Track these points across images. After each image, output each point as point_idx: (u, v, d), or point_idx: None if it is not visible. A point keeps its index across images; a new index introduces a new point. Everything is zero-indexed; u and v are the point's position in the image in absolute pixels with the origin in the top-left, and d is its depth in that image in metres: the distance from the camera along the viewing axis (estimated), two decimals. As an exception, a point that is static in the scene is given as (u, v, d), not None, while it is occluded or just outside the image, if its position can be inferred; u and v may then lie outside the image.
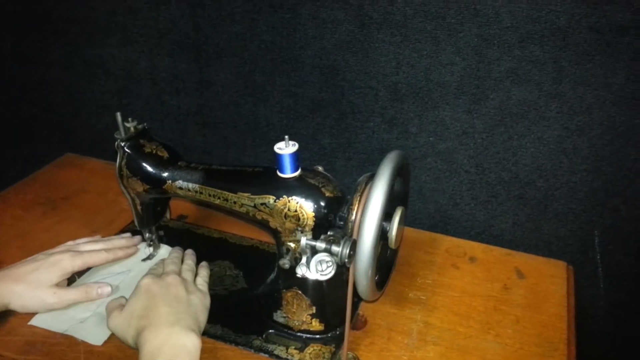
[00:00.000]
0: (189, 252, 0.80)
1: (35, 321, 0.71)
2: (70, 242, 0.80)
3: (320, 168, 0.68)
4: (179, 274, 0.71)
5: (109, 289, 0.75)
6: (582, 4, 0.69)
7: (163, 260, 0.76)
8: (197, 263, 0.78)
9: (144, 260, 0.82)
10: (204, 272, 0.76)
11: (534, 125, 0.80)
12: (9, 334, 0.70)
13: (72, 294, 0.72)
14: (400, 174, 0.64)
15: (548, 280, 0.78)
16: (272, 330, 0.70)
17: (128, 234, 0.84)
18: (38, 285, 0.70)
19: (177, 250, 0.79)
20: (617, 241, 0.83)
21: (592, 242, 0.85)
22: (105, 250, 0.77)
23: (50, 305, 0.71)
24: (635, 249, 0.83)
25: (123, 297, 0.71)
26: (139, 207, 0.77)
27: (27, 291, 0.69)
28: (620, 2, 0.68)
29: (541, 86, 0.76)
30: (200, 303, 0.67)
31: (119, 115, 0.71)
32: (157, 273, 0.71)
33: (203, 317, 0.67)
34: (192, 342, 0.60)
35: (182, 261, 0.77)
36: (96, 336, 0.69)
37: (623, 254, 0.84)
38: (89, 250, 0.77)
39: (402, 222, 0.65)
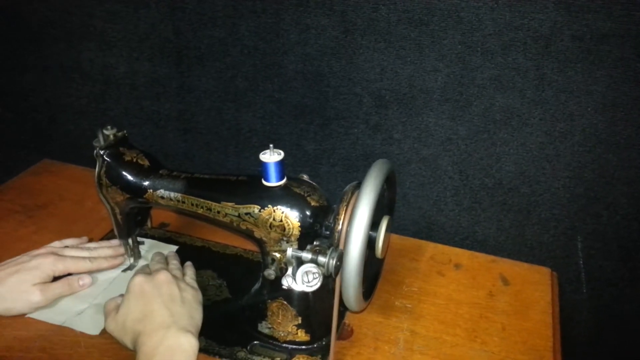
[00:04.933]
0: (171, 254, 0.80)
1: (33, 314, 0.71)
2: (56, 243, 0.79)
3: (305, 176, 0.67)
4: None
5: (89, 279, 0.75)
6: (564, 12, 0.70)
7: (147, 264, 0.75)
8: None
9: (124, 271, 0.80)
10: (190, 270, 0.76)
11: (517, 132, 0.80)
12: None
13: (56, 288, 0.72)
14: (386, 183, 0.64)
15: (532, 287, 0.78)
16: (257, 342, 0.69)
17: (116, 241, 0.82)
18: (20, 286, 0.70)
19: (159, 254, 0.78)
20: (600, 246, 0.84)
21: (574, 248, 0.86)
22: (90, 259, 0.77)
23: (37, 304, 0.71)
24: (617, 254, 0.84)
25: (122, 295, 0.69)
26: (118, 217, 0.75)
27: (9, 293, 0.69)
28: (601, 10, 0.68)
29: (524, 93, 0.77)
30: (193, 300, 0.67)
31: (100, 135, 0.70)
32: (146, 272, 0.70)
33: (198, 314, 0.66)
34: (189, 343, 0.60)
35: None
36: (93, 327, 0.69)
37: (605, 259, 0.85)
38: (73, 256, 0.76)
39: (388, 231, 0.64)
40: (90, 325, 0.70)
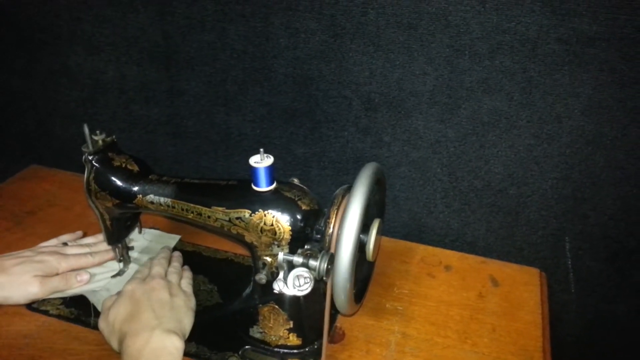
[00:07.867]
0: (177, 254, 0.81)
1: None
2: (53, 240, 0.81)
3: (296, 180, 0.67)
4: (165, 276, 0.72)
5: (87, 276, 0.77)
6: (550, 15, 0.71)
7: (150, 261, 0.77)
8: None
9: (113, 276, 0.79)
10: (187, 274, 0.76)
11: (505, 134, 0.81)
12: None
13: (54, 281, 0.74)
14: (376, 186, 0.64)
15: (522, 288, 0.79)
16: (249, 347, 0.69)
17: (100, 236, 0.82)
18: (22, 276, 0.71)
19: (165, 251, 0.79)
20: (587, 247, 0.85)
21: (563, 248, 0.87)
22: (92, 254, 0.79)
23: (34, 295, 0.72)
24: (604, 254, 0.85)
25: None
26: (108, 223, 0.75)
27: (9, 282, 0.70)
28: (587, 14, 0.69)
29: (511, 96, 0.78)
30: (184, 305, 0.67)
31: (86, 128, 0.69)
32: (142, 276, 0.71)
33: (188, 320, 0.66)
34: (173, 344, 0.60)
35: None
36: None
37: (593, 259, 0.86)
38: (75, 253, 0.78)
39: (379, 234, 0.65)
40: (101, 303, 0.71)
